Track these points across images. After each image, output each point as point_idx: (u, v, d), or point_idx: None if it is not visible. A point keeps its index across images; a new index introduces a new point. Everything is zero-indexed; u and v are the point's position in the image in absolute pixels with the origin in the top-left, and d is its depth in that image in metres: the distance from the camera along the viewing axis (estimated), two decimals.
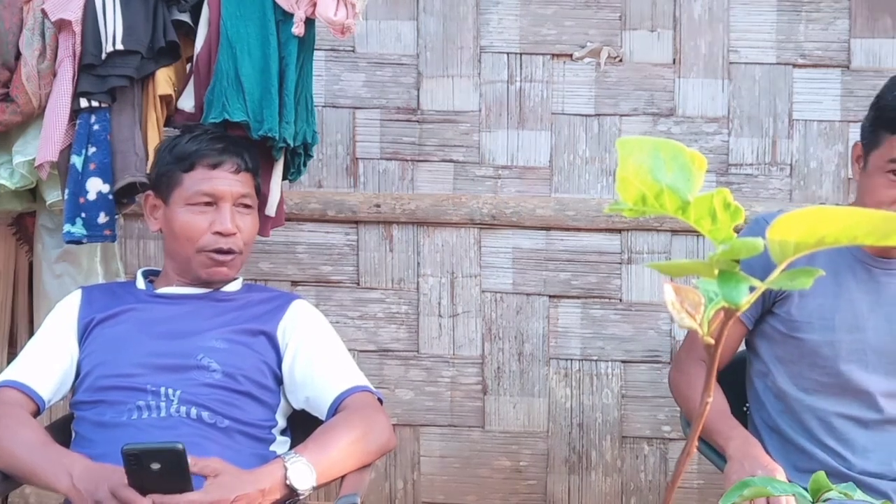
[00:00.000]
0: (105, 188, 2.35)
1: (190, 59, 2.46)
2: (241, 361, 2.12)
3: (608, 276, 3.04)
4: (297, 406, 2.19)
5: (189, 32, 2.44)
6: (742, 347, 2.33)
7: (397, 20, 3.05)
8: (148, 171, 2.31)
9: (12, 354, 2.70)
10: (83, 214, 2.34)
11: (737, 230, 0.72)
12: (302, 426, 2.18)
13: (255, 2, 2.38)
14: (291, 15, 2.37)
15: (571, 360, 3.07)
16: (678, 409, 2.44)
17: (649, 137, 0.72)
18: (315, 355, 2.18)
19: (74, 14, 2.31)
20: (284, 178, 2.53)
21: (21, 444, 1.98)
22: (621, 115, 3.03)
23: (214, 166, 2.18)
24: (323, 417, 2.12)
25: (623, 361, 3.06)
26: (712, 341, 0.73)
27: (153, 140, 2.37)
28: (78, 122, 2.35)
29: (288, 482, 1.90)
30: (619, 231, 3.02)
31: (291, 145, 2.43)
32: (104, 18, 2.31)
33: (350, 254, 3.08)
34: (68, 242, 2.38)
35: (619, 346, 3.05)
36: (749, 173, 3.02)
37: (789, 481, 1.10)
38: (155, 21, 2.35)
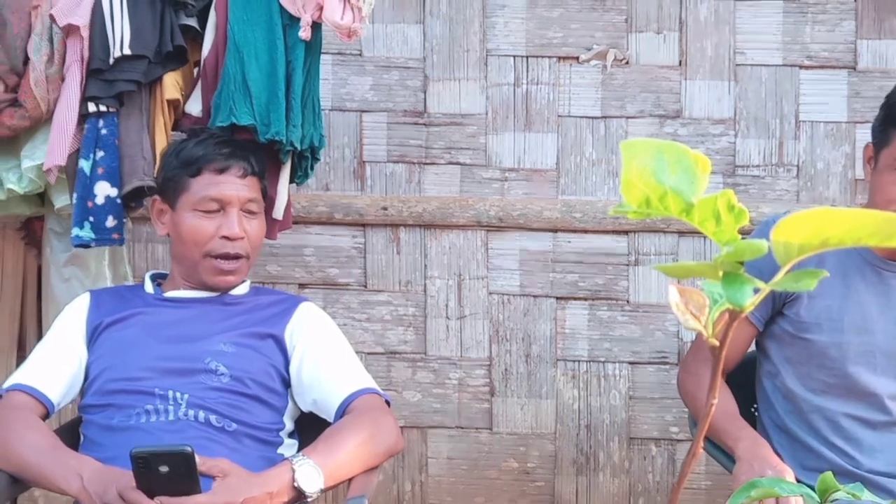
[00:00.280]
0: (113, 192, 2.35)
1: (197, 64, 2.47)
2: (248, 365, 2.12)
3: (615, 277, 3.04)
4: (305, 408, 2.19)
5: (196, 37, 2.45)
6: (752, 348, 2.33)
7: (404, 23, 3.06)
8: (155, 176, 2.32)
9: (21, 358, 2.72)
10: (91, 218, 2.34)
11: (744, 232, 0.72)
12: (309, 428, 2.18)
13: (262, 6, 2.39)
14: (298, 19, 2.38)
15: (579, 361, 3.07)
16: (686, 410, 2.44)
17: (653, 140, 0.72)
18: (322, 358, 2.18)
19: (82, 19, 2.32)
20: (292, 181, 2.54)
21: (30, 447, 1.99)
22: (628, 118, 3.03)
23: (221, 171, 2.18)
24: (331, 420, 2.12)
25: (630, 363, 3.06)
26: (717, 343, 0.73)
27: (161, 144, 2.38)
28: (86, 126, 2.36)
29: (296, 485, 1.90)
30: (627, 233, 3.02)
31: (299, 149, 2.43)
32: (112, 23, 2.32)
33: (357, 256, 3.08)
34: (76, 246, 2.39)
35: (627, 347, 3.05)
36: (756, 175, 3.01)
37: (798, 482, 1.10)
38: (162, 26, 2.36)
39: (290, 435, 2.20)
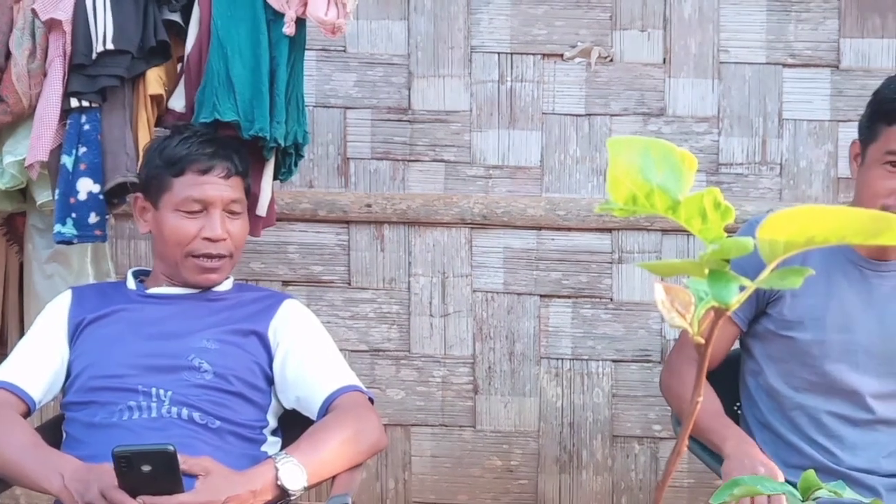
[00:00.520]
0: (95, 188, 2.34)
1: (181, 59, 2.46)
2: (232, 362, 2.12)
3: (599, 275, 3.04)
4: (288, 406, 2.19)
5: (180, 32, 2.43)
6: (735, 346, 2.34)
7: (388, 20, 3.05)
8: (138, 172, 2.31)
9: (2, 355, 2.70)
10: (74, 215, 2.33)
11: (728, 231, 0.72)
12: (293, 426, 2.18)
13: (246, 2, 2.38)
14: (282, 15, 2.37)
15: (562, 359, 3.07)
16: (669, 408, 2.44)
17: (640, 137, 0.72)
18: (306, 355, 2.18)
19: (65, 14, 2.31)
20: (275, 178, 2.53)
21: (11, 445, 1.98)
22: (612, 115, 3.03)
23: (204, 172, 2.16)
24: (314, 417, 2.12)
25: (614, 361, 3.06)
26: (702, 341, 0.73)
27: (144, 140, 2.37)
28: (68, 122, 2.34)
29: (279, 483, 1.90)
30: (610, 230, 3.03)
31: (282, 145, 2.43)
32: (94, 18, 2.31)
33: (341, 254, 3.08)
34: (59, 243, 2.38)
35: (610, 345, 3.05)
36: (739, 173, 3.02)
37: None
38: (145, 21, 2.35)
39: (274, 432, 2.19)
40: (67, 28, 2.31)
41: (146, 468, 1.78)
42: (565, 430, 3.08)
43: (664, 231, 3.00)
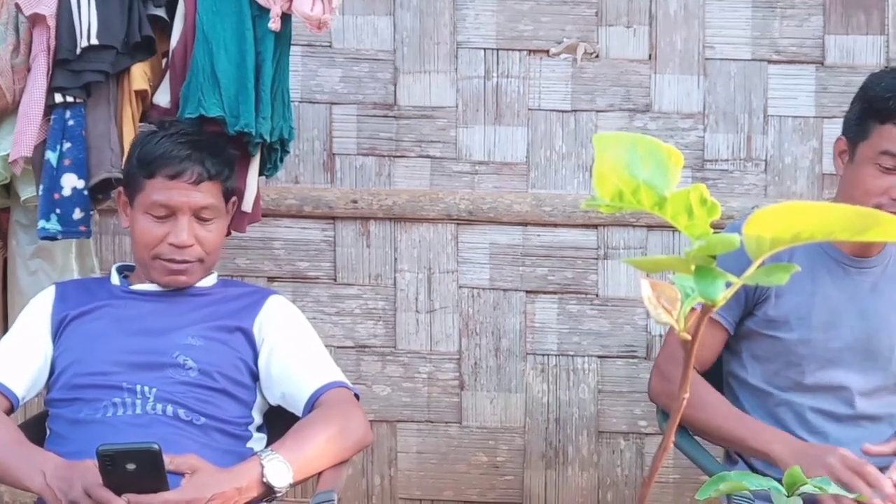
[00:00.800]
0: (80, 184, 2.33)
1: (166, 55, 2.45)
2: (217, 358, 2.11)
3: (585, 271, 3.05)
4: (273, 402, 2.18)
5: (165, 27, 2.43)
6: None
7: (374, 15, 3.04)
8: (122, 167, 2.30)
9: None
10: (58, 210, 2.32)
11: (714, 227, 0.72)
12: (278, 422, 2.17)
13: None
14: (267, 10, 2.36)
15: (548, 355, 3.07)
16: (654, 404, 2.44)
17: (626, 133, 0.72)
18: (291, 351, 2.17)
19: (49, 9, 2.30)
20: (261, 173, 2.52)
21: None
22: (598, 111, 3.03)
23: (173, 176, 2.12)
24: (299, 414, 2.11)
25: (599, 356, 3.07)
26: (688, 337, 0.73)
27: (129, 135, 2.36)
28: (52, 117, 2.33)
29: (265, 480, 1.90)
30: (596, 226, 3.03)
31: (268, 141, 2.42)
32: (79, 13, 2.30)
33: (327, 249, 3.07)
34: (43, 238, 2.37)
35: (596, 341, 3.06)
36: (724, 169, 3.03)
37: (763, 475, 1.11)
38: (130, 16, 2.34)
39: (259, 429, 2.19)
40: (51, 23, 2.30)
41: (131, 467, 1.77)
42: (551, 425, 3.08)
43: (650, 227, 3.01)
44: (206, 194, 2.15)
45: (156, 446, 1.78)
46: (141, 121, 2.43)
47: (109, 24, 2.31)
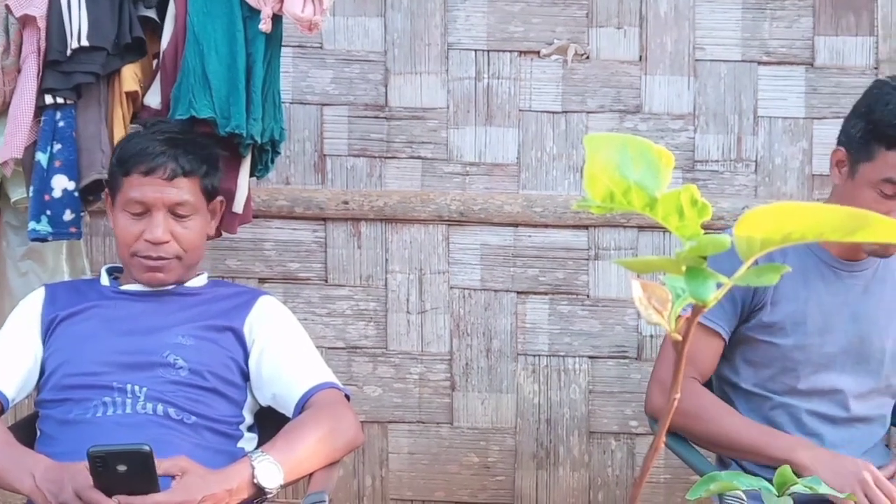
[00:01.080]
0: (70, 185, 2.33)
1: (156, 56, 2.44)
2: (207, 358, 2.11)
3: (575, 272, 3.05)
4: (264, 403, 2.18)
5: (155, 28, 2.42)
6: None
7: (365, 16, 3.04)
8: None
9: None
10: (48, 212, 2.32)
11: (704, 228, 0.72)
12: (269, 422, 2.17)
13: None
14: (258, 11, 2.36)
15: (539, 355, 3.07)
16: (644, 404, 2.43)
17: (616, 134, 0.72)
18: (282, 352, 2.17)
19: (39, 10, 2.29)
20: (252, 174, 2.52)
21: None
22: (588, 112, 3.04)
23: (146, 173, 2.12)
24: (290, 414, 2.11)
25: (590, 357, 3.07)
26: (679, 338, 0.73)
27: (119, 136, 2.35)
28: (43, 118, 2.33)
29: (255, 481, 1.89)
30: (587, 227, 3.03)
31: (259, 142, 2.42)
32: (69, 14, 2.29)
33: (318, 251, 3.07)
34: (33, 240, 2.36)
35: (587, 341, 3.06)
36: (714, 170, 3.04)
37: (753, 475, 1.12)
38: (121, 17, 2.33)
39: (250, 428, 2.19)
40: (42, 24, 2.30)
41: (122, 468, 1.77)
42: (542, 426, 3.09)
43: (640, 228, 3.01)
44: (182, 190, 2.14)
45: (147, 447, 1.77)
46: (132, 122, 2.43)
47: (100, 25, 2.30)
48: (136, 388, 2.04)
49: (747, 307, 2.18)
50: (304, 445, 1.99)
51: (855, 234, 0.66)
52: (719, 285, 0.71)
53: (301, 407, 2.10)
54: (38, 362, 2.14)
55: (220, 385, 2.10)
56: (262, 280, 3.06)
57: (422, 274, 3.06)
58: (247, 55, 2.38)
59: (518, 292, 3.06)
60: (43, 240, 2.35)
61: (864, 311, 2.20)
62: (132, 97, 2.41)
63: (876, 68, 2.99)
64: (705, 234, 0.72)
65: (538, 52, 3.03)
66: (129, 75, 2.38)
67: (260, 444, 2.09)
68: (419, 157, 3.05)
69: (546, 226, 3.03)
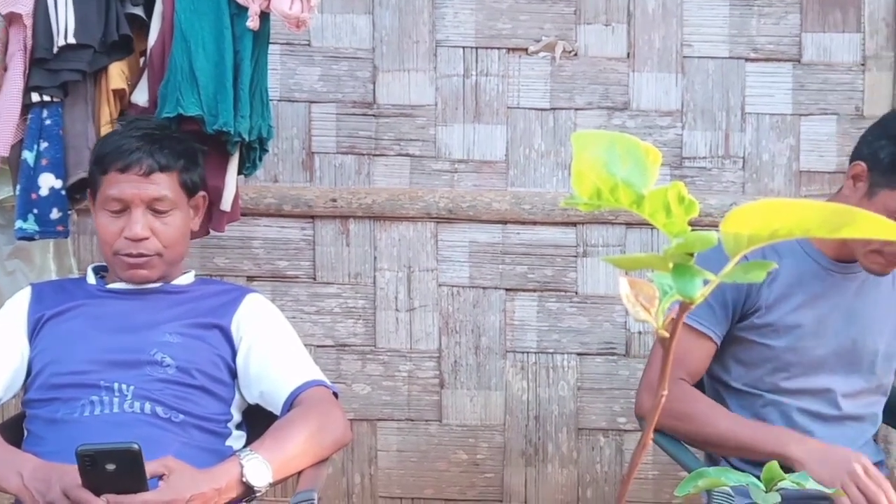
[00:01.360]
0: (57, 184, 2.32)
1: (143, 53, 2.44)
2: (194, 356, 2.10)
3: (564, 269, 3.05)
4: (252, 401, 2.18)
5: (142, 26, 2.42)
6: None
7: (353, 14, 3.04)
8: None
9: None
10: (35, 210, 2.31)
11: (692, 225, 0.72)
12: (258, 421, 2.17)
13: None
14: (246, 9, 2.36)
15: (528, 352, 3.08)
16: (633, 400, 2.44)
17: (604, 131, 0.72)
18: (269, 349, 2.16)
19: (25, 7, 2.29)
20: (240, 172, 2.52)
21: None
22: (576, 109, 3.04)
23: (123, 170, 2.11)
24: (278, 412, 2.11)
25: (579, 354, 3.07)
26: (667, 334, 0.73)
27: None
28: (29, 116, 2.32)
29: (244, 479, 1.89)
30: (575, 224, 3.03)
31: (246, 139, 2.41)
32: (56, 12, 2.29)
33: (306, 248, 3.07)
34: (20, 239, 2.35)
35: (575, 338, 3.06)
36: (702, 166, 3.04)
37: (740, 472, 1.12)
38: (107, 14, 2.33)
39: (238, 426, 2.18)
40: (28, 22, 2.29)
41: (110, 467, 1.76)
42: (531, 423, 3.09)
43: (628, 224, 3.02)
44: (160, 186, 2.13)
45: (136, 446, 1.77)
46: (119, 120, 2.42)
47: (87, 22, 2.30)
48: (124, 386, 2.03)
49: (739, 311, 2.18)
50: (292, 444, 1.98)
51: (841, 230, 0.67)
52: (706, 282, 0.71)
53: (289, 405, 2.09)
54: (25, 362, 2.13)
55: (207, 383, 2.10)
56: (250, 278, 3.06)
57: (410, 271, 3.06)
58: (234, 52, 2.38)
59: (506, 289, 3.07)
60: (30, 238, 2.34)
61: (857, 313, 2.20)
62: (119, 95, 2.40)
63: (863, 65, 3.00)
64: (693, 230, 0.72)
65: (526, 49, 3.03)
66: (117, 73, 2.37)
67: (248, 442, 2.09)
68: (407, 155, 3.05)
69: (534, 223, 3.03)
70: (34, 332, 2.14)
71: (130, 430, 1.96)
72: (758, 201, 0.68)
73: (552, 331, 3.06)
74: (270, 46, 2.53)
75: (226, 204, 2.47)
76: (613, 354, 3.07)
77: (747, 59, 3.02)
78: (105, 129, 2.36)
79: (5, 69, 2.32)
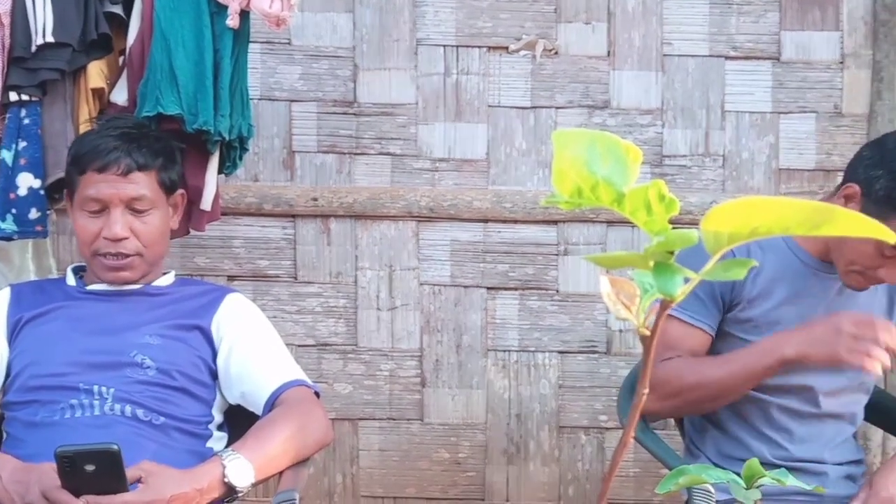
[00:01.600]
0: (36, 183, 2.31)
1: (123, 52, 2.43)
2: (175, 357, 2.09)
3: (545, 267, 3.06)
4: (233, 401, 2.17)
5: (122, 24, 2.41)
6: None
7: (333, 12, 3.03)
8: None
9: None
10: (14, 210, 2.30)
11: (673, 223, 0.73)
12: (239, 421, 2.16)
13: None
14: (226, 7, 2.35)
15: (509, 351, 3.08)
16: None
17: (585, 130, 0.72)
18: (250, 349, 2.16)
19: (3, 6, 2.27)
20: (220, 171, 2.51)
21: None
22: (557, 108, 3.04)
23: (101, 170, 2.10)
24: (259, 412, 2.10)
25: (560, 352, 3.08)
26: (648, 333, 0.74)
27: None
28: (8, 116, 2.31)
29: (226, 480, 1.89)
30: (556, 223, 3.04)
31: (227, 138, 2.41)
32: (34, 10, 2.27)
33: (287, 248, 3.06)
34: None
35: (557, 336, 3.07)
36: (683, 164, 3.05)
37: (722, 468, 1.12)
38: (86, 13, 2.32)
39: (220, 427, 2.18)
40: (6, 20, 2.28)
41: (90, 468, 1.76)
42: (512, 421, 3.09)
43: (609, 223, 3.02)
44: (138, 185, 2.12)
45: (115, 446, 1.76)
46: (98, 119, 2.41)
47: (65, 21, 2.29)
48: (104, 389, 2.02)
49: (727, 302, 2.19)
50: (274, 443, 1.98)
51: (820, 227, 0.67)
52: (687, 280, 0.72)
53: (271, 405, 2.09)
54: (4, 364, 2.12)
55: (188, 384, 2.09)
56: (230, 278, 3.05)
57: (392, 270, 3.06)
58: (214, 51, 2.37)
59: (488, 288, 3.07)
60: (8, 238, 2.33)
61: (839, 311, 2.20)
62: (98, 94, 2.39)
63: (841, 63, 3.01)
64: (673, 228, 0.72)
65: (507, 48, 3.04)
66: (96, 72, 2.36)
67: (230, 443, 2.08)
68: (388, 154, 3.05)
69: (515, 221, 3.03)
70: (13, 333, 2.13)
71: (110, 432, 1.95)
72: (738, 199, 0.68)
73: (533, 329, 3.07)
74: (251, 45, 2.53)
75: (206, 203, 2.46)
76: (595, 352, 3.07)
77: (727, 58, 3.03)
78: (84, 128, 2.34)
79: None
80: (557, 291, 3.06)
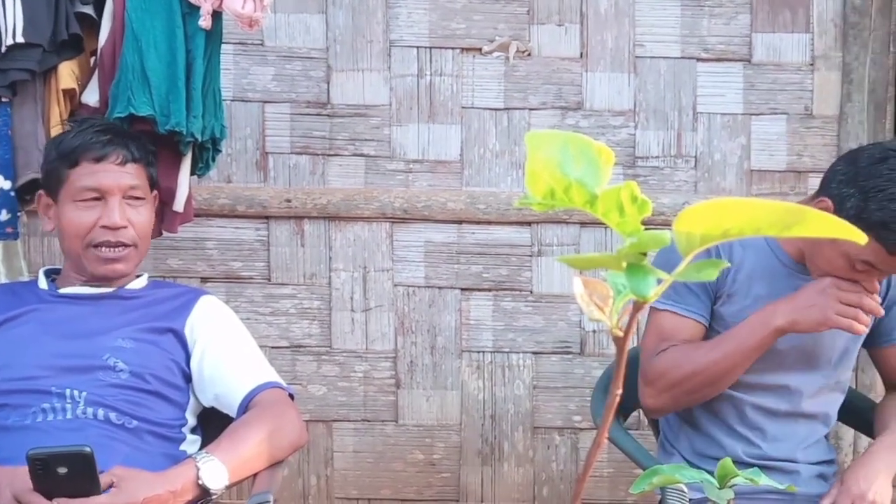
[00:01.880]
0: (6, 185, 2.29)
1: (94, 53, 2.41)
2: (148, 360, 2.08)
3: (519, 268, 3.06)
4: (207, 404, 2.16)
5: (93, 25, 2.39)
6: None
7: (306, 13, 3.03)
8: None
9: None
10: None
11: (645, 224, 0.73)
12: (213, 423, 2.15)
13: None
14: (198, 8, 2.34)
15: (483, 352, 3.08)
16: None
17: (558, 131, 0.73)
18: (224, 352, 2.15)
19: None
20: (193, 173, 2.50)
21: None
22: (530, 109, 3.05)
23: (98, 160, 2.11)
24: (233, 415, 2.10)
25: (534, 353, 3.08)
26: (621, 334, 0.74)
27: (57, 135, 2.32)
28: None
29: (200, 482, 1.88)
30: (529, 224, 3.04)
31: (199, 140, 2.40)
32: (3, 11, 2.25)
33: (261, 249, 3.05)
34: None
35: (531, 337, 3.07)
36: (655, 166, 3.06)
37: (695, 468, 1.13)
38: (57, 13, 2.30)
39: (193, 431, 2.17)
40: None
41: (62, 470, 1.74)
42: (487, 422, 3.10)
43: (583, 224, 3.03)
44: (134, 175, 2.14)
45: (87, 448, 1.75)
46: (69, 120, 2.40)
47: (36, 21, 2.27)
48: (76, 392, 2.01)
49: (714, 291, 2.20)
50: (248, 445, 1.97)
51: (791, 228, 0.67)
52: (660, 281, 0.72)
53: (244, 407, 2.08)
54: None
55: (161, 388, 2.08)
56: (204, 279, 3.04)
57: (366, 272, 3.05)
58: (187, 52, 2.36)
59: (462, 289, 3.07)
60: None
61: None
62: (69, 95, 2.38)
63: (812, 65, 3.04)
64: (646, 230, 0.72)
65: (480, 49, 3.04)
66: (67, 73, 2.35)
67: (204, 446, 2.07)
68: (362, 155, 3.05)
69: (489, 222, 3.04)
70: None
71: (83, 436, 1.93)
72: (710, 200, 0.69)
73: (507, 330, 3.07)
74: (223, 46, 2.52)
75: (178, 205, 2.45)
76: (569, 353, 3.08)
77: (699, 59, 3.05)
78: (55, 130, 2.33)
79: None
80: (531, 292, 3.07)
